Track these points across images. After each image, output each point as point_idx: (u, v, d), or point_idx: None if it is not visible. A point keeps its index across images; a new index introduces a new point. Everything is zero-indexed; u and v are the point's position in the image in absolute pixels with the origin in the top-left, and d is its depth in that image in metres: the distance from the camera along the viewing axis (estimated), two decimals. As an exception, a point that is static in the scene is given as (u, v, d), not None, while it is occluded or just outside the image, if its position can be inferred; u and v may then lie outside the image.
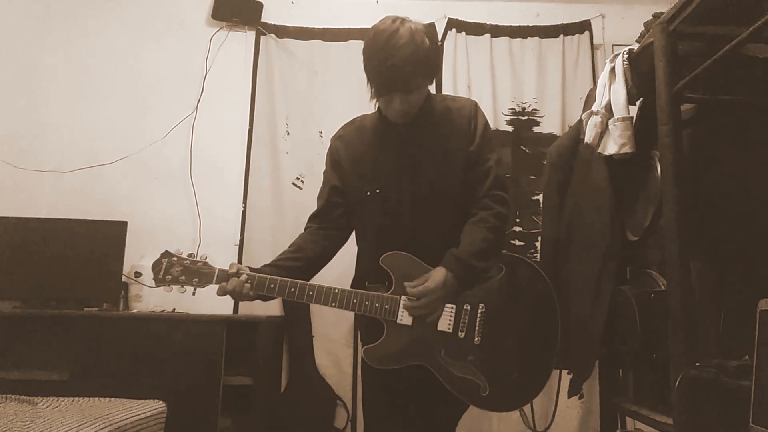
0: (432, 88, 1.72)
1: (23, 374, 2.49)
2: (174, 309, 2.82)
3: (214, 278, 1.61)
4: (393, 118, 1.65)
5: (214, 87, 3.28)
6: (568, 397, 2.67)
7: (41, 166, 3.13)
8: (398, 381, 1.64)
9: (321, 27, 3.33)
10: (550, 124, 3.21)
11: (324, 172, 1.81)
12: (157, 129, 3.21)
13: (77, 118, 3.24)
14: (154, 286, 1.64)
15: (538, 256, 2.67)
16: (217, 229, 3.15)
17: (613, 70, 1.92)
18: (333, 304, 1.60)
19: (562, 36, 3.30)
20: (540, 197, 3.03)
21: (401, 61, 1.51)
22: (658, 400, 1.74)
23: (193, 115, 3.25)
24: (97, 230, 2.87)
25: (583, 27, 3.31)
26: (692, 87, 1.56)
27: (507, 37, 3.31)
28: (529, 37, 3.31)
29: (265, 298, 1.62)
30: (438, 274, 1.57)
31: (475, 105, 1.73)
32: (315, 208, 1.79)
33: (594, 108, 1.96)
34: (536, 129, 3.23)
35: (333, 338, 3.03)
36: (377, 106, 1.69)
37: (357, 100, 2.99)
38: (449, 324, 1.61)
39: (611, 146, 1.87)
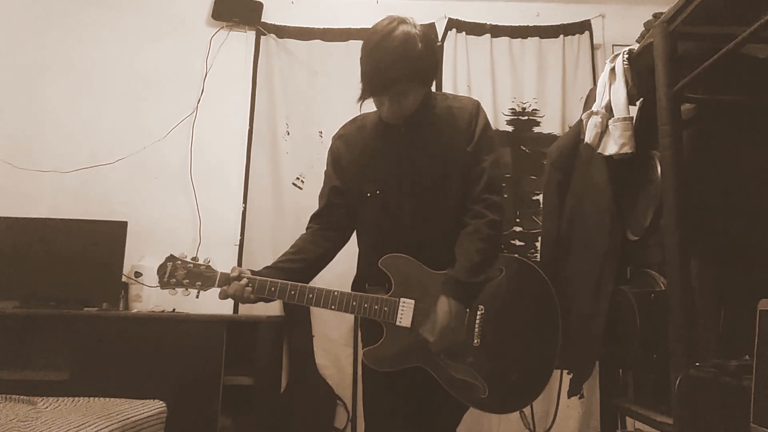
0: (432, 88, 1.70)
1: (23, 374, 2.50)
2: (174, 309, 2.82)
3: (216, 282, 1.62)
4: (385, 119, 1.64)
5: (214, 87, 3.28)
6: (569, 396, 2.68)
7: (41, 166, 3.13)
8: (399, 382, 1.64)
9: (321, 27, 3.33)
10: (550, 124, 3.21)
11: (325, 172, 1.80)
12: (157, 129, 3.21)
13: (77, 118, 3.24)
14: (159, 288, 1.65)
15: (538, 256, 2.67)
16: (217, 229, 3.15)
17: (613, 70, 1.92)
18: (333, 307, 1.60)
19: (562, 36, 3.30)
20: (540, 197, 3.03)
21: (386, 66, 1.50)
22: (658, 400, 1.74)
23: (193, 115, 3.25)
24: (97, 230, 2.87)
25: (583, 27, 3.31)
26: (692, 87, 1.56)
27: (507, 37, 3.30)
28: (529, 37, 3.31)
29: (266, 301, 1.63)
30: (443, 306, 1.54)
31: (478, 105, 1.71)
32: (315, 208, 1.79)
33: (594, 108, 1.96)
34: (536, 129, 3.22)
35: (333, 338, 3.03)
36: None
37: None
38: None
39: (611, 146, 1.87)
